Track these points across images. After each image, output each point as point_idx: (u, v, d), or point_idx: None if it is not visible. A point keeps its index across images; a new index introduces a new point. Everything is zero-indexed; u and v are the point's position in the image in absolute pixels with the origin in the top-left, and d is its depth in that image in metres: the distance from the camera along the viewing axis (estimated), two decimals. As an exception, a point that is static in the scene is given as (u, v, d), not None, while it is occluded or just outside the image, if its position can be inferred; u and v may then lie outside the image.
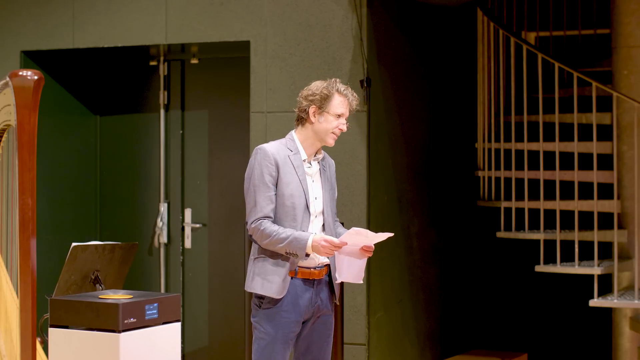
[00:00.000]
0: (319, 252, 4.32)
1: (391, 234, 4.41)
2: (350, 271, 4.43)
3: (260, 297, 4.43)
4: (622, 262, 6.49)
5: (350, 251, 4.39)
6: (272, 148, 4.45)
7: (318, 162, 4.55)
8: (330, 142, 4.50)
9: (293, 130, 4.55)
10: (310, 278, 4.44)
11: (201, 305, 7.20)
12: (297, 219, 4.41)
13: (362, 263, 4.44)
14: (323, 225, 4.50)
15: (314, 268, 4.43)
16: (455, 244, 7.45)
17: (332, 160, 4.70)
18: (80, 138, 7.48)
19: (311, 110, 4.45)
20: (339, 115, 4.45)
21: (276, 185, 4.41)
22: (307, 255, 4.35)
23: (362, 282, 4.51)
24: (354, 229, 4.33)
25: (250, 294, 4.47)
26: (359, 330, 6.26)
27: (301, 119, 4.50)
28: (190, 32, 6.72)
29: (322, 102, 4.44)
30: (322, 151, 4.59)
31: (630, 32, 6.77)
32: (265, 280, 4.40)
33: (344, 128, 4.49)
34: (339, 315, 5.65)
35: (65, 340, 4.54)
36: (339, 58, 6.30)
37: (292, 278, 4.40)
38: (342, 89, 4.47)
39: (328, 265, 4.49)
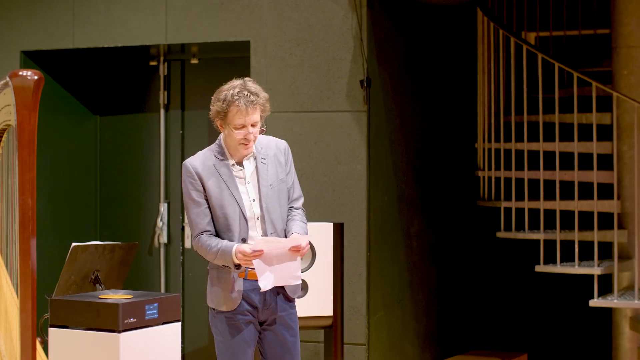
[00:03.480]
0: (240, 262, 4.23)
1: (308, 237, 4.29)
2: (281, 274, 4.26)
3: None
4: (622, 262, 6.49)
5: (278, 254, 4.24)
6: (196, 161, 4.35)
7: (254, 159, 4.39)
8: (243, 152, 4.33)
9: (221, 134, 4.41)
10: None
11: (201, 305, 7.19)
12: (233, 229, 4.31)
13: (294, 265, 4.28)
14: (265, 228, 4.34)
15: None
16: (455, 244, 7.45)
17: (282, 143, 4.48)
18: (80, 138, 7.48)
19: (217, 123, 4.34)
20: (242, 126, 4.27)
21: (207, 198, 4.32)
22: (238, 266, 4.27)
23: (299, 281, 4.33)
24: (261, 239, 4.23)
25: None
26: (359, 330, 6.26)
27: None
28: (190, 32, 6.72)
29: (220, 115, 4.29)
30: (261, 142, 4.39)
31: (630, 32, 6.77)
32: (216, 295, 4.38)
33: (250, 137, 4.28)
34: (339, 315, 5.65)
35: (65, 340, 4.54)
36: (339, 58, 6.30)
37: (243, 280, 4.33)
38: (236, 98, 4.23)
39: None
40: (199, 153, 4.42)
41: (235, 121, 4.26)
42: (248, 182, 4.37)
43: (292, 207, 4.48)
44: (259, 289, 4.31)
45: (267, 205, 4.36)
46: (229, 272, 4.33)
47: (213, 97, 4.35)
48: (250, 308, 4.36)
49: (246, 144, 4.30)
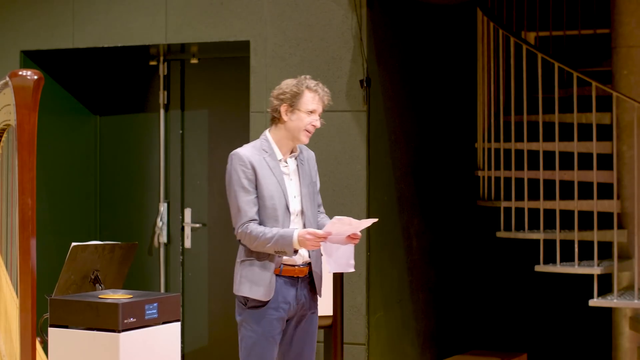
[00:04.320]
0: (306, 245, 4.34)
1: (375, 219, 4.44)
2: (339, 261, 4.44)
3: (246, 297, 4.46)
4: (622, 262, 6.49)
5: (337, 240, 4.40)
6: (247, 152, 4.49)
7: (295, 159, 4.57)
8: (304, 139, 4.51)
9: (267, 130, 4.57)
10: (295, 276, 4.47)
11: (201, 305, 7.20)
12: (279, 220, 4.44)
13: (349, 252, 4.45)
14: (304, 223, 4.51)
15: (299, 266, 4.47)
16: (455, 243, 7.45)
17: (311, 152, 4.70)
18: (80, 138, 7.48)
19: (282, 108, 4.48)
20: (310, 112, 4.46)
21: (256, 188, 4.44)
22: (296, 251, 4.37)
23: (353, 269, 4.49)
24: (337, 218, 4.34)
25: None
26: (359, 330, 6.26)
27: (274, 119, 4.53)
28: (190, 32, 6.72)
29: (293, 99, 4.46)
30: (298, 147, 4.59)
31: (630, 32, 6.77)
32: (253, 283, 4.42)
33: (317, 124, 4.50)
34: (338, 315, 5.65)
35: (65, 340, 4.54)
36: (339, 58, 6.31)
37: (277, 276, 4.43)
38: (312, 85, 4.48)
39: (310, 264, 4.51)
40: (246, 146, 4.56)
41: (309, 105, 4.46)
42: (291, 179, 4.53)
43: (319, 211, 4.67)
44: (294, 285, 4.45)
45: (305, 202, 4.53)
46: (271, 261, 4.40)
47: (280, 87, 4.51)
48: (284, 304, 4.44)
49: (310, 132, 4.49)
